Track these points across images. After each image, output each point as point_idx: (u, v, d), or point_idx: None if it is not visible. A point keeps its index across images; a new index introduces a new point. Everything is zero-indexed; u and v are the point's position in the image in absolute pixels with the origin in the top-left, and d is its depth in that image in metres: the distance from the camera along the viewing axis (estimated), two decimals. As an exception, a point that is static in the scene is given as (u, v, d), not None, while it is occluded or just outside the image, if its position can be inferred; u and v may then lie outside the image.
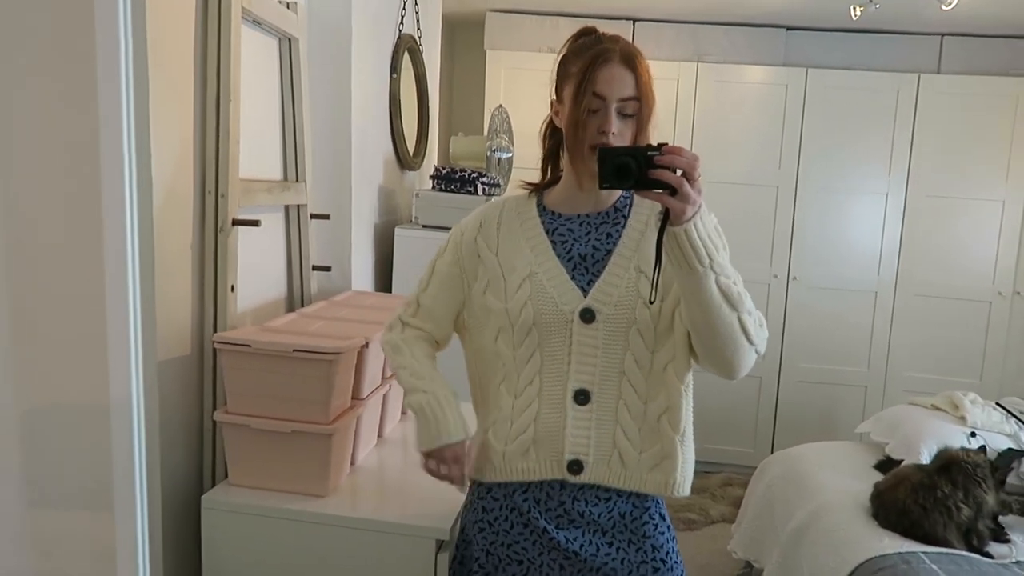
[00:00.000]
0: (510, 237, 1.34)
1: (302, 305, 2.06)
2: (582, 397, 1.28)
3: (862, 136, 3.81)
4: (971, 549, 2.07)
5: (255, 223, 1.68)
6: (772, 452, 3.60)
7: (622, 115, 1.23)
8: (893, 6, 3.17)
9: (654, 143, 1.10)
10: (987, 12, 3.37)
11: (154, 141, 1.30)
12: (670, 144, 1.07)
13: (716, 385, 3.95)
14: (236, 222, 1.66)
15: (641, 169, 1.06)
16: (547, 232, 1.32)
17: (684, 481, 1.31)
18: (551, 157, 1.37)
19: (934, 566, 1.94)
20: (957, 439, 2.48)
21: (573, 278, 1.29)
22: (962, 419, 2.67)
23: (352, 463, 1.77)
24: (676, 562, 1.34)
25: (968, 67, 3.78)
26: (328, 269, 2.19)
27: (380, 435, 1.98)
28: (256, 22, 1.81)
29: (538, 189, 1.38)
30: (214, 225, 1.63)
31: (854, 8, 2.92)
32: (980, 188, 3.78)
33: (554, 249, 1.31)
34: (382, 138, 2.58)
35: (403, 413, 2.21)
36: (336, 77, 2.20)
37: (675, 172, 1.06)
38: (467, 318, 1.38)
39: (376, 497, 1.66)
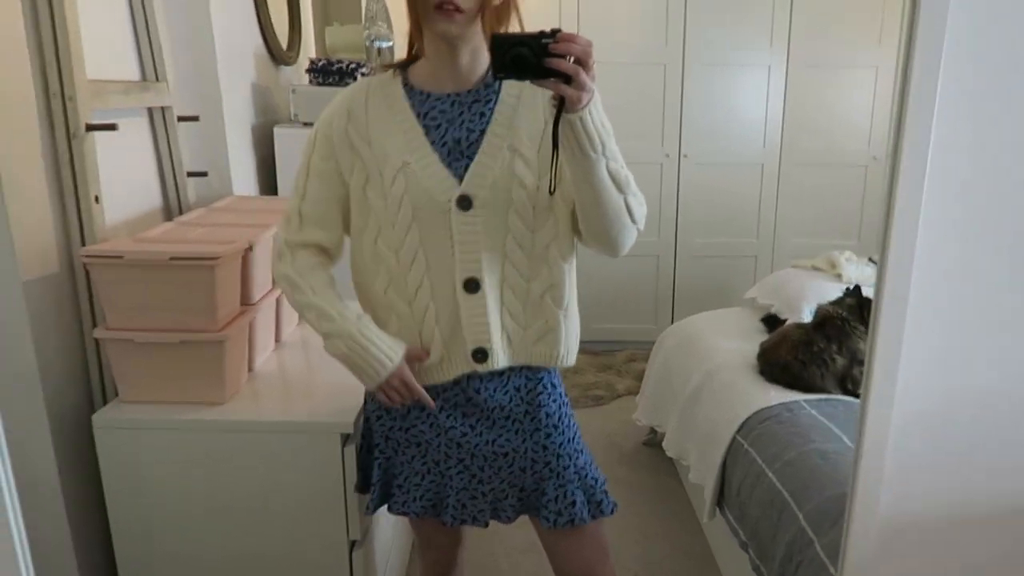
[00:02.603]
0: (380, 123, 1.26)
1: (180, 214, 1.96)
2: (472, 285, 1.27)
3: (744, 8, 3.83)
4: (847, 393, 2.25)
5: (111, 127, 1.56)
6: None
7: None
8: None
9: (547, 29, 1.04)
10: None
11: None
12: (564, 31, 1.03)
13: (615, 267, 4.11)
14: (90, 127, 1.54)
15: (537, 58, 1.02)
16: (418, 116, 1.25)
17: (568, 353, 1.35)
18: (417, 30, 1.27)
19: (813, 411, 2.11)
20: (835, 296, 2.64)
21: (449, 165, 1.24)
22: (839, 276, 2.85)
23: (250, 369, 1.75)
24: (568, 426, 1.38)
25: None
26: (204, 175, 2.08)
27: (278, 340, 1.95)
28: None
29: (401, 67, 1.30)
30: (65, 131, 1.50)
31: None
32: (855, 55, 3.90)
33: (427, 135, 1.24)
34: (250, 32, 2.41)
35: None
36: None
37: (569, 60, 1.03)
38: (350, 218, 1.31)
39: (277, 399, 1.65)
